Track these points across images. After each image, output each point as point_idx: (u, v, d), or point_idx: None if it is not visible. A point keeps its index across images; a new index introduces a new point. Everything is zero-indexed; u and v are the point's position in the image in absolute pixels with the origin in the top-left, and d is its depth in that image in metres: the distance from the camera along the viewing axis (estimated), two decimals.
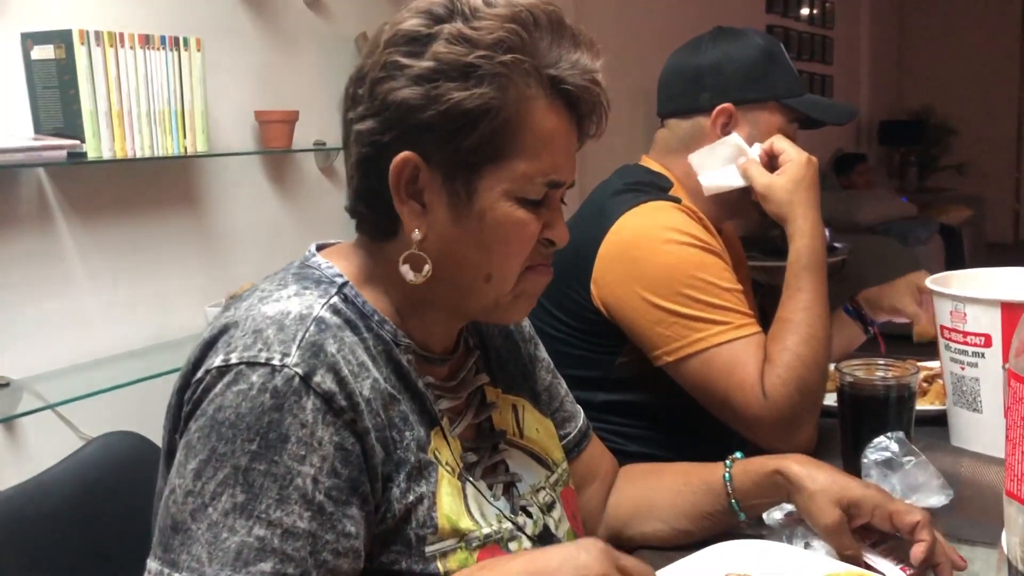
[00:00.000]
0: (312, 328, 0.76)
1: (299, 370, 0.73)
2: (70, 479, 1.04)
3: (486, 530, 0.84)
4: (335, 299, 0.80)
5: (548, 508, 0.94)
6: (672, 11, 4.41)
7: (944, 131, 7.55)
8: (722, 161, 1.43)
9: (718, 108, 1.43)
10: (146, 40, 1.91)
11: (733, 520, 1.04)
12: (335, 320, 0.79)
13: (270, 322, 0.76)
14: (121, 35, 1.86)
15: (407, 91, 0.78)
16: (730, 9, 5.03)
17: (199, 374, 0.75)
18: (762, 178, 1.38)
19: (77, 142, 1.79)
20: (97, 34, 1.81)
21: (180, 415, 0.77)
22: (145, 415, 1.54)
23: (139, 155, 1.90)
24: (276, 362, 0.73)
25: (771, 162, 1.40)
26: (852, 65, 7.18)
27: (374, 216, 0.85)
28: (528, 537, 0.89)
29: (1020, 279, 1.35)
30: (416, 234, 0.81)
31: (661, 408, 1.44)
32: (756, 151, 1.41)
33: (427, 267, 0.82)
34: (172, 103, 1.97)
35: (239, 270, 2.25)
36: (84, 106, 1.79)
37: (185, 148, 2.00)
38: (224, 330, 0.77)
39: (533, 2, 0.81)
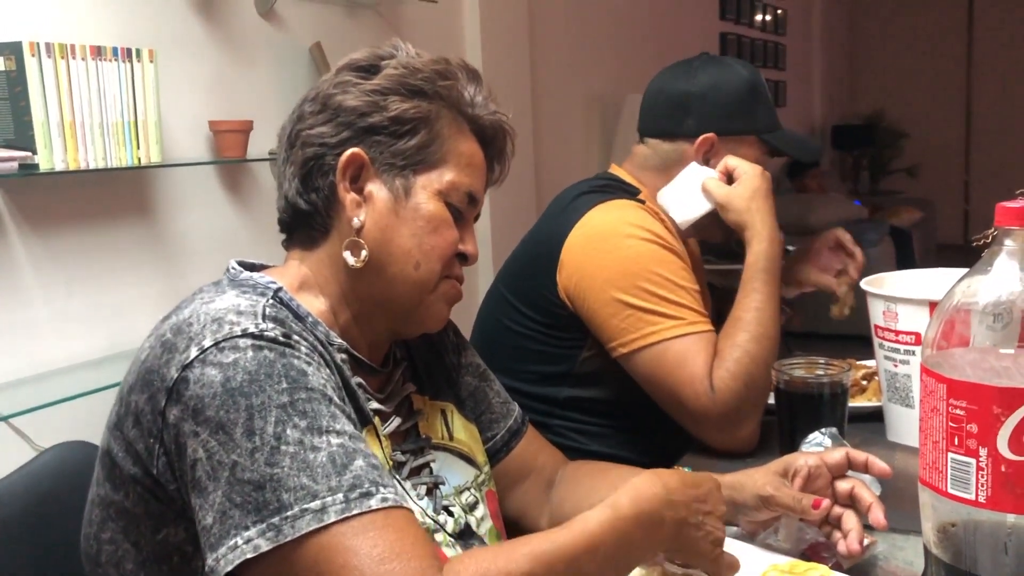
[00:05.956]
0: (269, 310, 0.81)
1: (277, 332, 0.78)
2: (22, 490, 1.04)
3: None
4: (272, 301, 0.85)
5: (471, 508, 0.99)
6: (626, 19, 4.46)
7: (895, 135, 7.70)
8: (687, 191, 1.48)
9: (702, 137, 1.48)
10: (98, 51, 1.91)
11: None
12: (281, 311, 0.83)
13: (225, 311, 0.79)
14: (72, 46, 1.86)
15: (357, 100, 0.91)
16: (684, 17, 5.10)
17: (173, 372, 0.76)
18: (720, 190, 1.44)
19: (29, 154, 1.78)
20: (48, 45, 1.81)
21: (162, 420, 0.76)
22: (100, 425, 1.54)
23: (92, 166, 1.90)
24: (253, 330, 0.77)
25: (728, 180, 1.46)
26: (805, 71, 7.30)
27: (311, 213, 0.93)
28: (448, 534, 0.93)
29: (948, 279, 1.41)
30: (356, 221, 0.91)
31: (624, 405, 1.47)
32: (714, 173, 1.48)
33: (364, 252, 0.91)
34: (125, 114, 1.97)
35: (194, 280, 2.25)
36: (36, 117, 1.79)
37: (139, 159, 2.00)
38: (177, 331, 0.79)
39: (458, 59, 0.97)
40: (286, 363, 0.76)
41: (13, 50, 1.77)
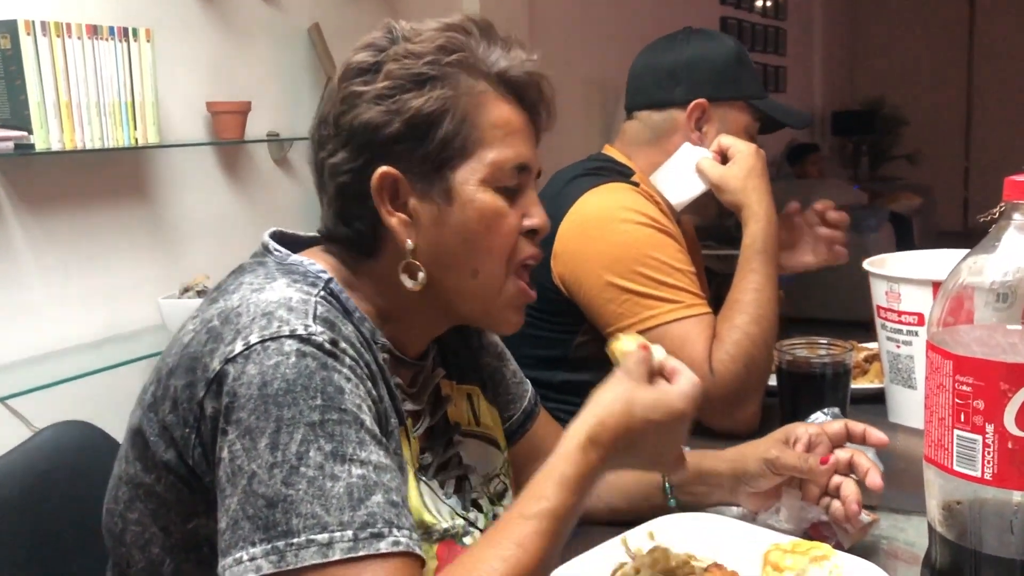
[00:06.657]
0: (320, 308, 0.79)
1: (324, 338, 0.76)
2: (20, 469, 1.04)
3: (444, 525, 0.87)
4: (323, 293, 0.82)
5: (499, 497, 0.97)
6: (626, 3, 4.44)
7: (895, 121, 7.68)
8: (682, 172, 1.47)
9: (694, 103, 1.48)
10: (94, 31, 1.89)
11: (666, 505, 1.07)
12: (331, 309, 0.81)
13: (276, 305, 0.77)
14: (68, 25, 1.84)
15: (369, 113, 0.84)
16: (684, 2, 5.07)
17: (216, 364, 0.74)
18: (715, 170, 1.44)
19: (24, 134, 1.77)
20: (44, 24, 1.80)
21: (200, 411, 0.75)
22: (98, 407, 1.54)
23: (89, 147, 1.89)
24: (302, 332, 0.75)
25: (723, 160, 1.46)
26: (805, 56, 7.27)
27: (356, 237, 0.88)
28: (481, 531, 0.92)
29: (950, 260, 1.40)
30: (409, 244, 0.86)
31: None
32: (708, 153, 1.47)
33: (421, 274, 0.86)
34: (122, 94, 1.96)
35: (192, 262, 2.24)
36: (31, 97, 1.78)
37: (136, 139, 1.99)
38: (225, 320, 0.77)
39: (462, 16, 0.88)
40: (325, 376, 0.74)
41: (8, 28, 1.76)
